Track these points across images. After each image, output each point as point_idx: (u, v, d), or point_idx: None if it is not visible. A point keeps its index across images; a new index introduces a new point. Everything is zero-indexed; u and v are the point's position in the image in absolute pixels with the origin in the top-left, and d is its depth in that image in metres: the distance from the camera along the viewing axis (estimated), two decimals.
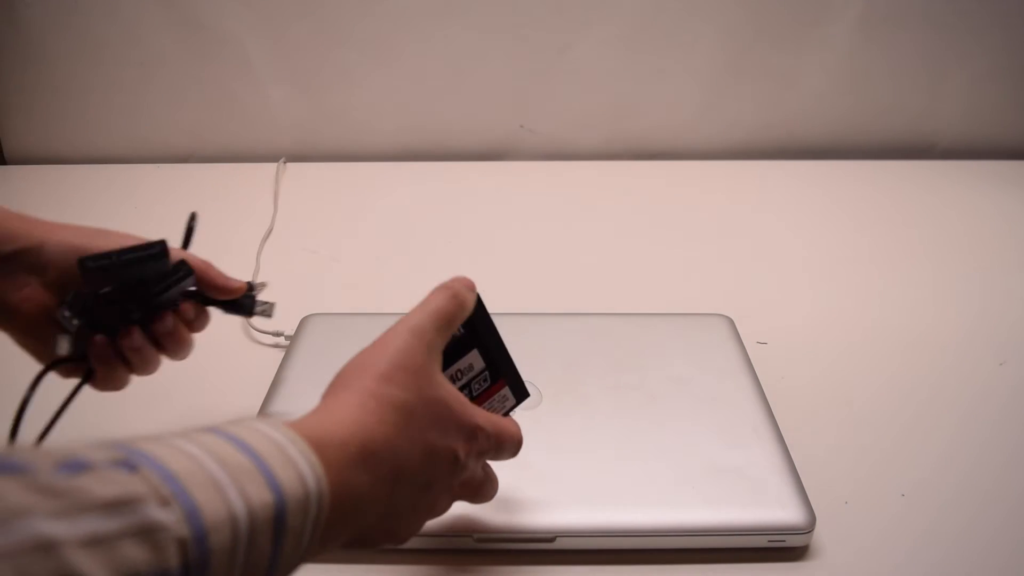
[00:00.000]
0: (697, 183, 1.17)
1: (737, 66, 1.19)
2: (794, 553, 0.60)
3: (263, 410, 0.68)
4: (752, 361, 0.73)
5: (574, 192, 1.14)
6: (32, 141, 1.22)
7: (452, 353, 0.52)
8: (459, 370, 0.53)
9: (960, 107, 1.24)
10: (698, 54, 1.18)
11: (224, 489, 0.32)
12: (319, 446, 0.38)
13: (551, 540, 0.58)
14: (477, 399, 0.53)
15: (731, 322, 0.78)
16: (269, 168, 1.16)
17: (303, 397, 0.68)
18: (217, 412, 0.72)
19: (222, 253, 0.98)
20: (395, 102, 1.20)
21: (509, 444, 0.51)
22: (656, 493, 0.60)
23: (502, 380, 0.55)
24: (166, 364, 0.79)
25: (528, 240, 1.01)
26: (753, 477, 0.61)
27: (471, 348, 0.53)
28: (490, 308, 0.69)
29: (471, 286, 0.52)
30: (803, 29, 1.17)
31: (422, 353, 0.46)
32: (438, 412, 0.46)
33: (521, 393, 0.55)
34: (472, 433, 0.47)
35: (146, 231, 0.56)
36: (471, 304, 0.51)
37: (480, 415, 0.49)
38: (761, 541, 0.59)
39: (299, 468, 0.36)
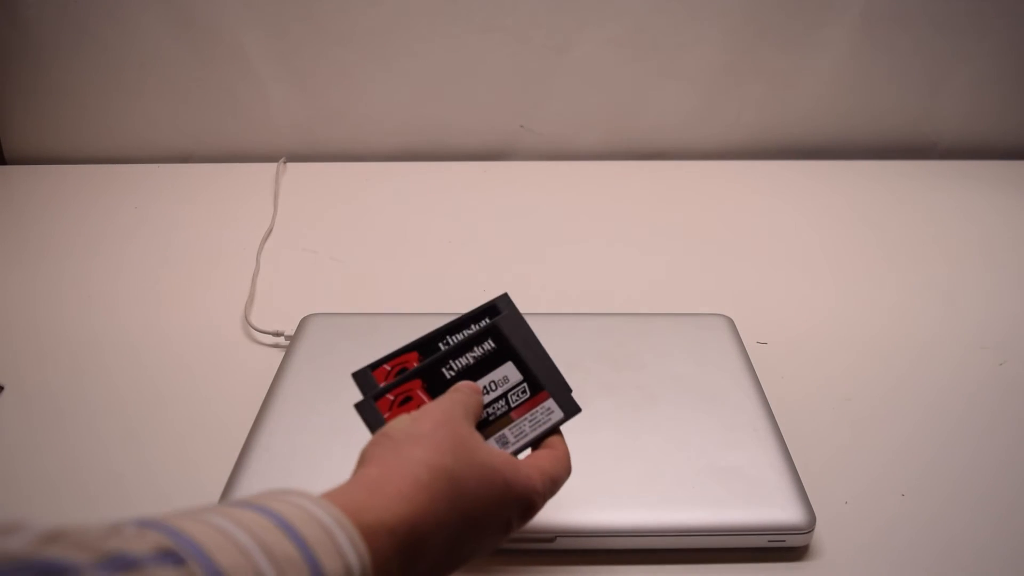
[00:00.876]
0: (697, 183, 1.17)
1: (737, 66, 1.19)
2: (794, 553, 0.60)
3: (263, 410, 0.68)
4: (752, 361, 0.73)
5: (574, 192, 1.14)
6: (32, 141, 1.22)
7: (483, 367, 0.51)
8: (493, 381, 0.51)
9: (960, 107, 1.23)
10: (698, 54, 1.18)
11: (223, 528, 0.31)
12: (368, 532, 0.36)
13: (551, 540, 0.59)
14: (515, 410, 0.51)
15: (731, 322, 0.78)
16: (269, 168, 1.16)
17: (303, 397, 0.68)
18: (217, 412, 0.72)
19: (222, 253, 0.99)
20: (395, 102, 1.20)
21: (563, 478, 0.49)
22: (656, 493, 0.60)
23: (544, 392, 0.52)
24: (166, 365, 0.80)
25: (528, 240, 1.01)
26: (753, 477, 0.61)
27: (504, 360, 0.52)
28: None
29: (477, 389, 0.50)
30: (803, 29, 1.17)
31: (462, 422, 0.45)
32: (491, 480, 0.44)
33: (571, 408, 0.52)
34: (530, 504, 0.46)
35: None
36: (481, 403, 0.50)
37: (535, 475, 0.46)
38: (761, 541, 0.59)
39: (347, 560, 0.35)
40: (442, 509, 0.40)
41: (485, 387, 0.51)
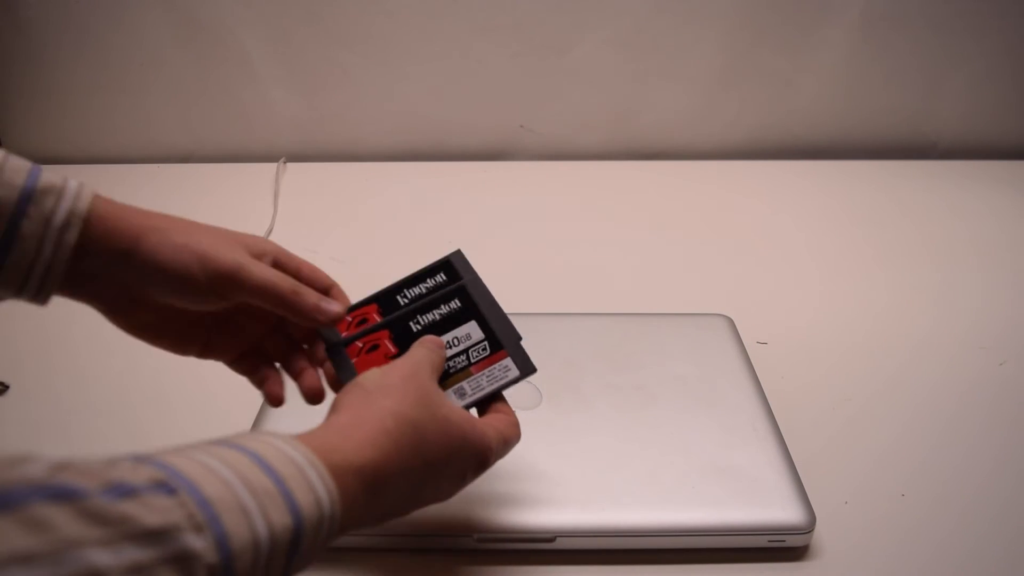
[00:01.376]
0: (697, 183, 1.16)
1: (737, 66, 1.19)
2: (794, 553, 0.60)
3: (263, 409, 0.68)
4: (752, 361, 0.73)
5: (574, 192, 1.14)
6: (32, 141, 1.22)
7: (448, 324, 0.55)
8: (456, 338, 0.55)
9: (959, 108, 1.23)
10: (698, 54, 1.18)
11: (251, 515, 0.34)
12: (336, 471, 0.40)
13: (551, 540, 0.59)
14: (475, 365, 0.54)
15: (731, 322, 0.78)
16: (269, 168, 1.16)
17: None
18: (217, 412, 0.73)
19: None
20: (395, 102, 1.20)
21: (514, 441, 0.52)
22: (656, 493, 0.60)
23: (503, 351, 0.55)
24: (167, 365, 0.80)
25: (528, 240, 1.01)
26: (753, 477, 0.61)
27: (468, 319, 0.56)
28: None
29: (440, 343, 0.55)
30: (803, 30, 1.17)
31: (428, 377, 0.49)
32: (449, 433, 0.47)
33: (527, 367, 0.54)
34: (484, 459, 0.49)
35: None
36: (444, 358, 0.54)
37: (490, 433, 0.50)
38: (761, 541, 0.59)
39: (317, 493, 0.38)
40: (405, 454, 0.44)
41: (449, 342, 0.55)
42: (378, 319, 0.56)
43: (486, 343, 0.55)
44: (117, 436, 0.71)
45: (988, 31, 1.17)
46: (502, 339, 0.55)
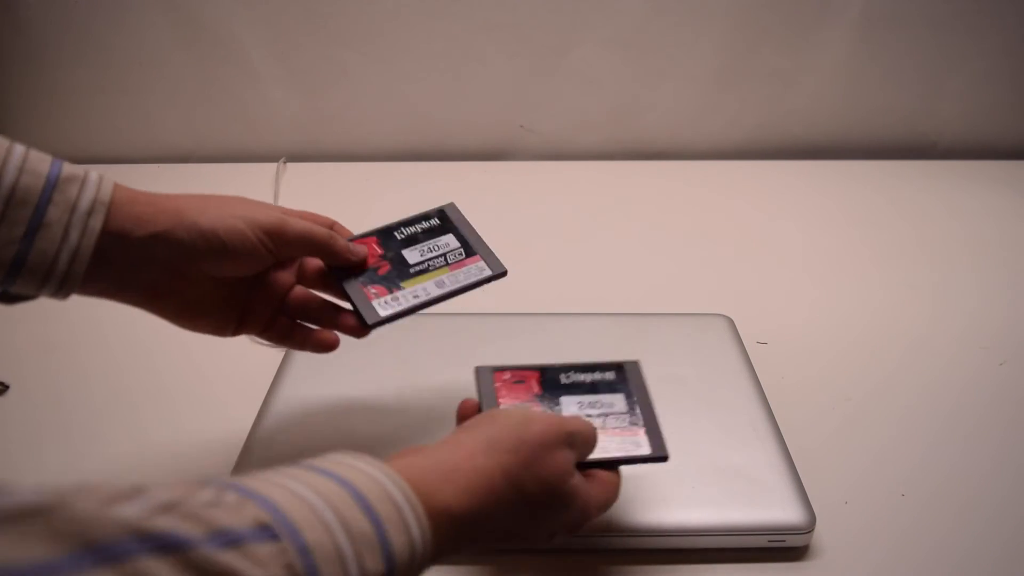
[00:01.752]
0: (697, 183, 1.16)
1: (737, 66, 1.19)
2: (794, 553, 0.60)
3: (263, 411, 0.68)
4: (752, 361, 0.73)
5: (574, 192, 1.14)
6: (33, 141, 1.20)
7: (428, 235, 0.64)
8: (436, 245, 0.64)
9: (959, 107, 1.24)
10: (698, 54, 1.18)
11: (348, 565, 0.34)
12: (433, 513, 0.40)
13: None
14: (451, 265, 0.62)
15: (731, 322, 0.78)
16: (269, 168, 1.16)
17: (303, 397, 0.68)
18: (218, 411, 0.73)
19: None
20: (395, 102, 1.20)
21: (610, 505, 0.54)
22: (656, 493, 0.60)
23: (477, 255, 0.63)
24: (168, 364, 0.80)
25: (528, 240, 1.01)
26: (753, 477, 0.61)
27: (446, 232, 0.65)
28: (491, 308, 0.71)
29: (594, 434, 0.54)
30: (802, 30, 1.17)
31: (563, 448, 0.48)
32: (555, 504, 0.47)
33: (498, 268, 0.63)
34: (575, 530, 0.50)
35: None
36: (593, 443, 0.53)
37: (593, 512, 0.50)
38: (761, 541, 0.59)
39: (412, 536, 0.38)
40: (502, 512, 0.44)
41: (423, 250, 0.64)
42: (378, 249, 0.64)
43: (461, 250, 0.64)
44: (118, 436, 0.71)
45: (987, 31, 1.17)
46: (476, 249, 0.64)
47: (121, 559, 0.27)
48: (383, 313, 0.59)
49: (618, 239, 1.03)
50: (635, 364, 0.60)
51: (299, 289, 0.62)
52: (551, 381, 0.59)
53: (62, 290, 0.50)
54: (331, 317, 0.61)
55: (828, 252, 1.00)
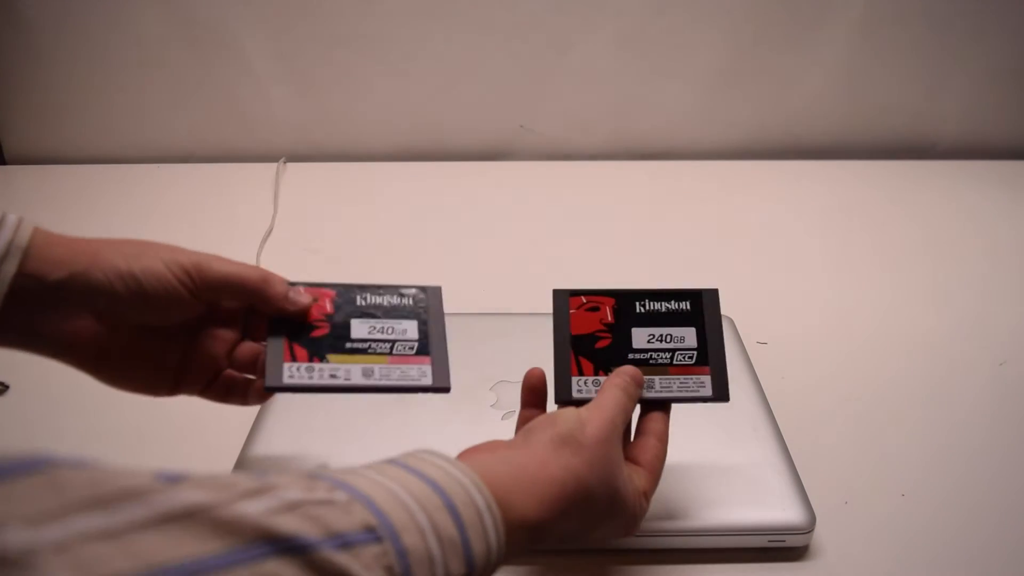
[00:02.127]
0: (697, 183, 1.17)
1: (737, 66, 1.19)
2: (794, 553, 0.60)
3: (261, 413, 0.68)
4: (752, 361, 0.73)
5: (574, 192, 1.14)
6: (32, 141, 1.22)
7: (386, 314, 0.57)
8: (391, 327, 0.56)
9: (960, 107, 1.24)
10: (698, 54, 1.18)
11: (436, 568, 0.36)
12: (509, 525, 0.41)
13: None
14: (392, 357, 0.55)
15: (731, 322, 0.78)
16: (269, 168, 1.16)
17: (302, 399, 0.68)
18: (218, 409, 0.72)
19: (222, 253, 0.98)
20: (395, 102, 1.20)
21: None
22: (656, 494, 0.60)
23: (427, 358, 0.56)
24: None
25: (528, 240, 1.01)
26: (753, 477, 0.61)
27: (411, 317, 0.57)
28: (489, 308, 0.70)
29: (640, 381, 0.55)
30: (803, 30, 1.17)
31: (617, 439, 0.49)
32: (616, 507, 0.49)
33: (441, 382, 0.56)
34: (630, 528, 0.51)
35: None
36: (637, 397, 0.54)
37: (646, 504, 0.51)
38: (761, 541, 0.59)
39: (489, 543, 0.39)
40: (571, 518, 0.45)
41: (379, 328, 0.55)
42: (328, 307, 0.56)
43: (415, 344, 0.56)
44: (116, 436, 0.71)
45: (988, 31, 1.18)
46: (432, 349, 0.56)
47: (253, 560, 0.29)
48: (285, 381, 0.52)
49: (618, 239, 1.03)
50: (714, 293, 0.58)
51: (247, 345, 0.57)
52: (625, 310, 0.58)
53: None
54: None
55: (829, 252, 1.01)
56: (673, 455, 0.60)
